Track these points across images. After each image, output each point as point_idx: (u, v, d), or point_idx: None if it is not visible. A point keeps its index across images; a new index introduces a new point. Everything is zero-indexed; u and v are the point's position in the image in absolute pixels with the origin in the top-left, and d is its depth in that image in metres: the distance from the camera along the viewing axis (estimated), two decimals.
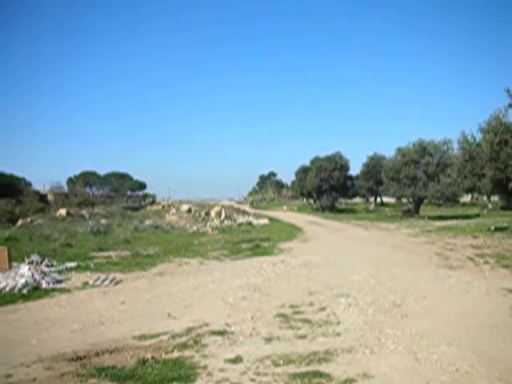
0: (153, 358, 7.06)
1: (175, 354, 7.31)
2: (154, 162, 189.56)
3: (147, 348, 7.59)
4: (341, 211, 54.33)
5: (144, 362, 6.89)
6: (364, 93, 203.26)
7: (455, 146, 32.80)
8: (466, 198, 57.39)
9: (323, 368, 6.64)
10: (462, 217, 38.97)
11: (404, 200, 48.02)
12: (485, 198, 54.99)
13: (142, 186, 74.12)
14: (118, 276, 13.84)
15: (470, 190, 35.90)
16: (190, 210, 43.86)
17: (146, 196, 72.07)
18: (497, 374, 6.31)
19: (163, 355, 7.25)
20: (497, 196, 37.84)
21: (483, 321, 8.95)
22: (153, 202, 63.59)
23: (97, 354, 7.25)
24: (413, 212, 43.08)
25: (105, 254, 18.33)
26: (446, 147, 40.91)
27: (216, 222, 34.81)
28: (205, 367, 6.74)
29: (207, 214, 41.13)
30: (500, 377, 6.20)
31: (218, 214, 39.81)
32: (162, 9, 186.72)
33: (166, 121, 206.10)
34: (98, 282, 13.02)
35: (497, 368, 6.51)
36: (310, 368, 6.66)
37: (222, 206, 47.14)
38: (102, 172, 69.06)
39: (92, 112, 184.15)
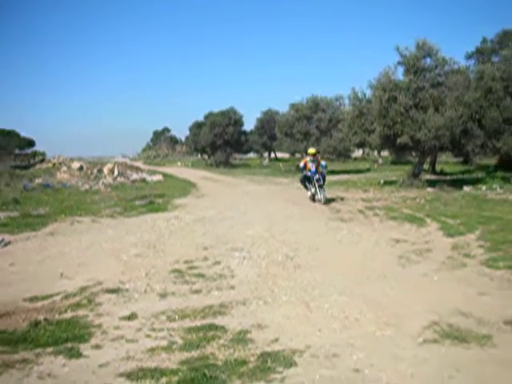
0: (45, 319, 6.84)
1: (69, 315, 7.13)
2: (43, 119, 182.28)
3: (39, 310, 7.35)
4: (235, 166, 54.56)
5: (36, 324, 6.67)
6: (258, 49, 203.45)
7: (347, 102, 33.47)
8: (358, 153, 58.89)
9: (218, 321, 6.71)
10: (354, 171, 40.01)
11: (297, 155, 48.79)
12: (375, 153, 56.57)
13: (31, 143, 71.46)
14: (7, 238, 13.21)
15: (360, 145, 36.86)
16: (81, 168, 42.66)
17: (35, 154, 69.60)
18: (384, 319, 6.59)
19: (56, 316, 7.04)
20: (386, 151, 39.04)
21: (373, 270, 9.30)
22: (42, 160, 61.36)
23: None
24: None
25: None
26: (338, 103, 41.79)
27: (109, 180, 34.07)
28: (99, 326, 6.64)
29: (100, 171, 40.15)
30: (387, 321, 6.49)
31: (111, 171, 38.95)
32: None
33: (57, 74, 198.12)
34: None
35: (384, 314, 6.80)
36: (205, 321, 6.71)
37: (115, 163, 46.06)
38: None
39: None
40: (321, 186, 19.86)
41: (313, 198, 20.43)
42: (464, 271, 9.16)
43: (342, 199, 20.60)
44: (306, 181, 20.73)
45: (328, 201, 19.74)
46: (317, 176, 19.92)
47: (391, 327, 6.31)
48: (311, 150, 20.91)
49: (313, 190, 20.34)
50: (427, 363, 5.27)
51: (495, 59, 31.97)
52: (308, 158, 20.55)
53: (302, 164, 20.96)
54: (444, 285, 8.27)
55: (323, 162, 20.75)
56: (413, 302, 7.36)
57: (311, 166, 20.12)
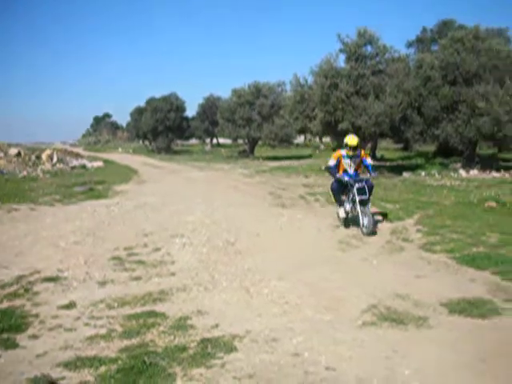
0: None
1: (5, 305, 6.91)
2: None
3: None
4: (177, 152, 54.32)
5: None
6: (200, 36, 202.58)
7: (289, 88, 33.70)
8: (300, 140, 59.28)
9: (158, 308, 6.65)
10: (296, 157, 40.20)
11: (240, 141, 48.86)
12: (317, 139, 56.93)
13: None
14: None
15: (302, 131, 37.11)
16: (19, 154, 41.55)
17: None
18: (324, 303, 6.66)
19: None
20: (328, 137, 39.46)
21: (313, 255, 9.40)
22: None
23: None
24: (248, 153, 43.97)
25: None
26: (280, 89, 42.07)
27: (48, 166, 33.39)
28: (37, 315, 6.47)
29: (38, 157, 39.24)
30: (326, 306, 6.56)
31: (50, 158, 38.12)
32: None
33: None
34: None
35: (324, 298, 6.88)
36: (145, 308, 6.64)
37: (54, 149, 45.14)
38: None
39: None
40: (364, 203, 11.22)
41: (346, 221, 12.03)
42: (402, 255, 9.36)
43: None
44: (341, 190, 12.06)
45: (375, 224, 11.58)
46: (359, 184, 11.38)
47: (331, 311, 6.37)
48: (352, 140, 11.66)
49: (348, 206, 11.77)
50: (365, 345, 5.34)
51: (434, 48, 32.70)
52: (344, 153, 11.94)
53: (331, 162, 12.18)
54: (383, 269, 8.42)
55: (369, 161, 12.12)
56: (352, 285, 7.45)
57: (348, 167, 11.94)
